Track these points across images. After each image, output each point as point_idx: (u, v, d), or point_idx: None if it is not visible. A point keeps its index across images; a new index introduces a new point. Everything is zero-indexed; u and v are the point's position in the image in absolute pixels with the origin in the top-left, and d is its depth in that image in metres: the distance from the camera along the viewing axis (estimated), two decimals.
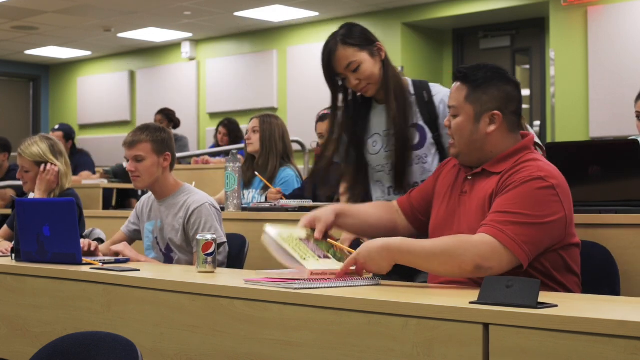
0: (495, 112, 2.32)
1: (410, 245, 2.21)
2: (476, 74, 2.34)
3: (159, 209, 3.37)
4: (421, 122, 2.82)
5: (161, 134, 3.34)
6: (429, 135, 2.82)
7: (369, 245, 2.23)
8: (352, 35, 2.79)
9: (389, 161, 2.81)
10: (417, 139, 2.81)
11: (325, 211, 2.49)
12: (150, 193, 3.45)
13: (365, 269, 2.24)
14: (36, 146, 3.92)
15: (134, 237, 3.50)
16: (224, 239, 3.26)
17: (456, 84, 2.39)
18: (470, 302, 1.81)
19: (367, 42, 2.80)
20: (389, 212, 2.61)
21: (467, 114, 2.34)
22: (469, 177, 2.38)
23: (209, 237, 2.67)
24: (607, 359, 1.57)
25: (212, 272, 2.62)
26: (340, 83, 2.83)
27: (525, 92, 9.18)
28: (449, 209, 2.41)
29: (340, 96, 2.87)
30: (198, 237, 2.68)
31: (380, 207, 2.63)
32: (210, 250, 2.67)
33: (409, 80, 2.90)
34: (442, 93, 2.85)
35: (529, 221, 2.14)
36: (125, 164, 3.35)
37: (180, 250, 3.29)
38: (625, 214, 2.77)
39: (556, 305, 1.76)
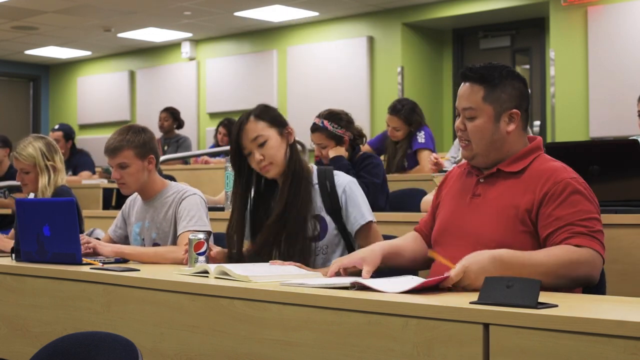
0: (514, 110, 2.32)
1: (523, 258, 2.11)
2: (492, 74, 2.32)
3: (146, 209, 3.32)
4: (323, 213, 2.80)
5: (142, 136, 3.24)
6: (331, 226, 2.80)
7: (477, 257, 2.07)
8: (266, 113, 2.83)
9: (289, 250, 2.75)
10: (317, 230, 2.78)
11: (372, 252, 2.37)
12: (136, 194, 3.39)
13: (474, 284, 2.02)
14: (31, 146, 3.93)
15: (121, 242, 3.41)
16: (209, 229, 3.15)
17: (470, 86, 2.34)
18: (471, 302, 1.81)
19: (279, 122, 2.84)
20: (419, 242, 2.56)
21: (487, 115, 2.31)
22: (482, 180, 2.36)
23: (201, 236, 2.64)
24: (607, 359, 1.58)
25: (202, 271, 2.53)
26: (242, 165, 2.81)
27: None
28: (457, 211, 2.38)
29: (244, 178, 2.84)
30: (190, 236, 2.65)
31: (414, 239, 2.57)
32: (202, 250, 2.64)
33: (314, 169, 2.88)
34: (344, 182, 2.83)
35: (595, 225, 2.19)
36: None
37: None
38: (625, 214, 2.77)
39: (556, 305, 1.76)
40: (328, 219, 2.80)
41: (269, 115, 2.83)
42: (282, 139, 2.80)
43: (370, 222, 2.80)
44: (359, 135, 4.23)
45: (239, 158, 2.81)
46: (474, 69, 2.35)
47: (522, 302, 1.75)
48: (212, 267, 2.46)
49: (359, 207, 2.80)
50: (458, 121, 2.38)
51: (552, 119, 8.29)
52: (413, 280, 2.15)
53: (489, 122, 2.31)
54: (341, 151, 4.11)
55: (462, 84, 2.37)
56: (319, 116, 4.16)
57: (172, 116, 8.04)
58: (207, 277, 2.47)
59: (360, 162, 4.15)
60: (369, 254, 2.36)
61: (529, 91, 2.42)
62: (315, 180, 2.84)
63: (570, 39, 8.12)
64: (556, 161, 2.32)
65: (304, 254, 2.73)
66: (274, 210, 2.81)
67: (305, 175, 2.82)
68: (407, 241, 2.55)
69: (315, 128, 4.13)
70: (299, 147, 2.92)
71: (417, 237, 2.57)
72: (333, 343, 1.97)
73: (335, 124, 4.11)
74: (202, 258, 2.63)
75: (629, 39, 7.74)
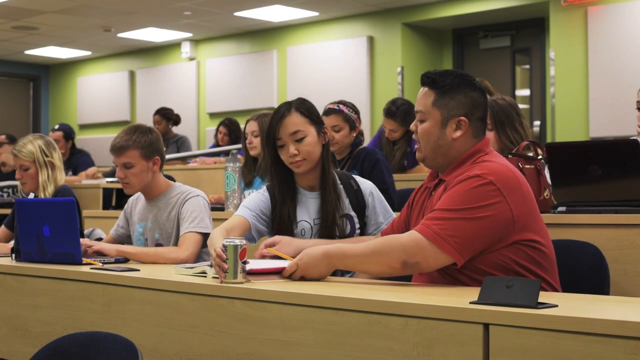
0: (462, 117, 2.33)
1: (346, 249, 2.29)
2: (444, 80, 2.35)
3: (149, 209, 3.33)
4: (352, 212, 2.84)
5: (149, 136, 3.25)
6: (357, 225, 2.85)
7: (309, 252, 2.30)
8: (306, 107, 2.81)
9: None
10: (348, 229, 2.83)
11: (314, 254, 2.32)
12: (138, 193, 3.40)
13: (306, 275, 2.30)
14: (30, 144, 4.00)
15: (123, 241, 3.43)
16: (211, 231, 3.13)
17: (423, 89, 2.39)
18: (471, 302, 1.81)
19: (318, 120, 2.84)
20: None
21: (434, 119, 2.35)
22: (432, 193, 2.39)
23: (238, 242, 2.26)
24: (607, 359, 1.58)
25: (242, 282, 2.26)
26: (276, 154, 2.82)
27: (525, 92, 9.18)
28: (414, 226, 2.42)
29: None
30: (225, 242, 2.27)
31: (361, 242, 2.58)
32: (246, 258, 2.30)
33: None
34: (370, 185, 2.91)
35: (459, 216, 2.15)
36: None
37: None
38: (625, 214, 2.77)
39: (556, 305, 1.76)
40: (355, 217, 2.85)
41: (311, 111, 2.83)
42: (320, 138, 2.82)
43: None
44: (360, 133, 4.32)
45: (271, 147, 2.82)
46: (430, 73, 2.39)
47: (522, 302, 1.75)
48: (210, 268, 2.46)
49: (386, 208, 2.90)
50: (413, 122, 2.44)
51: (552, 119, 8.29)
52: (270, 264, 2.42)
53: (436, 126, 2.35)
54: (349, 140, 4.18)
55: (421, 87, 2.42)
56: (331, 104, 4.22)
57: (164, 118, 7.99)
58: (204, 276, 2.46)
59: (364, 159, 4.16)
60: (310, 254, 2.34)
61: (487, 100, 2.41)
62: (338, 181, 2.88)
63: (570, 39, 8.12)
64: (491, 161, 2.27)
65: None
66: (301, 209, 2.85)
67: (335, 178, 2.87)
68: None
69: (331, 111, 4.17)
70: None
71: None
72: (333, 343, 1.98)
73: (351, 108, 4.21)
74: (245, 267, 2.27)
75: (629, 39, 7.74)
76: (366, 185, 2.90)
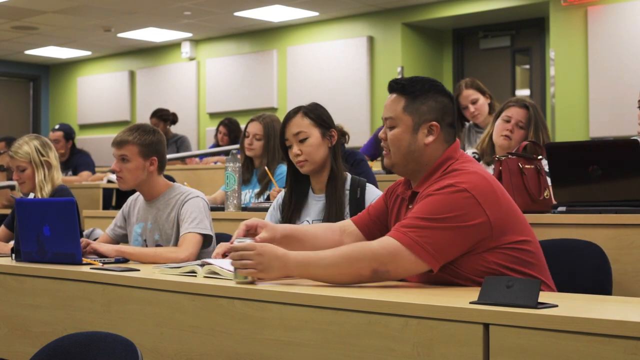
0: (434, 122, 2.32)
1: (308, 257, 2.19)
2: (414, 86, 2.35)
3: (149, 210, 3.32)
4: (348, 218, 2.84)
5: (151, 136, 3.27)
6: None
7: (268, 249, 2.19)
8: (314, 111, 2.97)
9: None
10: None
11: (272, 227, 2.44)
12: (137, 193, 3.40)
13: (254, 269, 2.19)
14: (26, 145, 4.01)
15: (120, 240, 3.42)
16: (210, 233, 3.17)
17: (392, 96, 2.38)
18: (470, 302, 1.81)
19: (324, 123, 2.96)
20: (336, 234, 2.56)
21: (406, 125, 2.33)
22: (410, 207, 2.35)
23: (249, 241, 2.29)
24: (607, 359, 1.58)
25: (254, 281, 2.26)
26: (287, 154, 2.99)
27: (525, 92, 9.18)
28: None
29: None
30: (237, 241, 2.32)
31: (326, 229, 2.58)
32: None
33: (348, 176, 3.00)
34: (375, 194, 2.94)
35: (436, 225, 2.12)
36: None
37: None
38: (625, 214, 2.77)
39: (556, 305, 1.76)
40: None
41: (316, 114, 2.96)
42: (324, 140, 2.94)
43: None
44: (341, 134, 4.21)
45: (283, 148, 3.00)
46: (398, 80, 2.39)
47: (522, 302, 1.75)
48: (200, 267, 2.46)
49: None
50: (382, 130, 2.41)
51: (552, 119, 8.29)
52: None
53: (407, 132, 2.33)
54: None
55: (389, 95, 2.40)
56: None
57: (161, 120, 7.97)
58: (194, 276, 2.46)
59: (346, 161, 4.13)
60: (270, 226, 2.44)
61: (455, 106, 2.40)
62: (347, 186, 2.96)
63: (570, 39, 8.12)
64: (463, 170, 2.25)
65: None
66: (305, 208, 2.96)
67: (343, 181, 2.95)
68: (322, 230, 2.56)
69: None
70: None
71: (338, 228, 2.57)
72: (333, 343, 1.98)
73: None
74: None
75: (629, 39, 7.74)
76: (371, 195, 2.95)
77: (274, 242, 2.36)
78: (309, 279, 2.22)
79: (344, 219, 2.83)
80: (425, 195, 2.22)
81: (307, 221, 2.92)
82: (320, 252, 2.20)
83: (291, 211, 2.98)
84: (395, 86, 2.38)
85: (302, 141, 2.91)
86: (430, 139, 2.32)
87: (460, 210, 2.13)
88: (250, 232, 2.45)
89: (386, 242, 2.15)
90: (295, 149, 2.92)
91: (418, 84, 2.35)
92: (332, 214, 2.87)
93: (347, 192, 2.94)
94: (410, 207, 2.35)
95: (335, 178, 2.92)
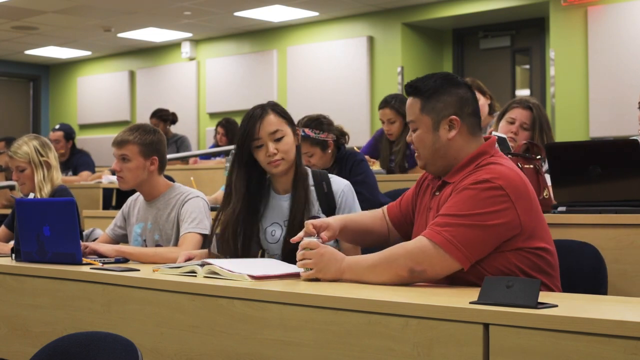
0: (453, 117, 2.33)
1: (356, 260, 2.29)
2: (426, 84, 2.36)
3: (149, 210, 3.32)
4: (322, 215, 2.82)
5: (151, 136, 3.28)
6: None
7: (328, 251, 2.31)
8: (283, 110, 2.87)
9: (288, 249, 2.75)
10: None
11: (334, 221, 2.52)
12: (137, 194, 3.40)
13: (311, 267, 2.30)
14: (26, 145, 4.01)
15: (119, 240, 3.42)
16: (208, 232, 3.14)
17: (410, 99, 2.40)
18: (470, 302, 1.81)
19: (292, 122, 2.88)
20: (382, 220, 2.63)
21: (426, 125, 2.36)
22: (436, 193, 2.38)
23: (315, 239, 2.40)
24: (607, 359, 1.58)
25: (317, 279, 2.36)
26: (248, 157, 2.81)
27: (525, 92, 9.18)
28: (419, 227, 2.42)
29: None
30: (305, 239, 2.41)
31: (373, 217, 2.64)
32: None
33: (309, 171, 2.92)
34: (342, 185, 2.89)
35: (468, 222, 2.14)
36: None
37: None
38: (625, 214, 2.77)
39: (556, 305, 1.76)
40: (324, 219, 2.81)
41: (285, 112, 2.88)
42: (294, 139, 2.86)
43: None
44: (341, 135, 4.19)
45: (246, 149, 2.81)
46: (411, 82, 2.41)
47: (522, 302, 1.75)
48: (200, 267, 2.46)
49: (355, 210, 2.87)
50: (408, 135, 2.46)
51: (552, 119, 8.28)
52: (272, 267, 2.43)
53: (428, 132, 2.35)
54: (327, 157, 4.08)
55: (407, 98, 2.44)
56: (297, 125, 4.12)
57: (160, 120, 7.98)
58: (194, 276, 2.46)
59: (346, 161, 4.12)
60: (332, 221, 2.51)
61: (474, 94, 2.41)
62: (311, 181, 2.87)
63: (570, 39, 8.12)
64: (498, 163, 2.26)
65: None
66: (269, 210, 2.85)
67: (307, 177, 2.86)
68: (370, 218, 2.64)
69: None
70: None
71: (381, 215, 2.64)
72: (333, 343, 1.98)
73: (316, 129, 4.05)
74: None
75: (629, 39, 7.74)
76: (339, 185, 2.88)
77: (335, 237, 2.51)
78: (359, 282, 2.25)
79: (310, 216, 2.79)
80: (460, 188, 2.22)
81: (277, 223, 2.83)
82: (367, 255, 2.29)
83: (251, 217, 2.82)
84: (410, 89, 2.40)
85: (278, 140, 2.78)
86: (453, 133, 2.33)
87: (493, 207, 2.15)
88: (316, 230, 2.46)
89: (420, 241, 2.19)
90: (271, 148, 2.76)
91: (430, 81, 2.36)
92: (298, 212, 2.78)
93: (313, 188, 2.86)
94: (436, 193, 2.37)
95: (303, 177, 2.84)
